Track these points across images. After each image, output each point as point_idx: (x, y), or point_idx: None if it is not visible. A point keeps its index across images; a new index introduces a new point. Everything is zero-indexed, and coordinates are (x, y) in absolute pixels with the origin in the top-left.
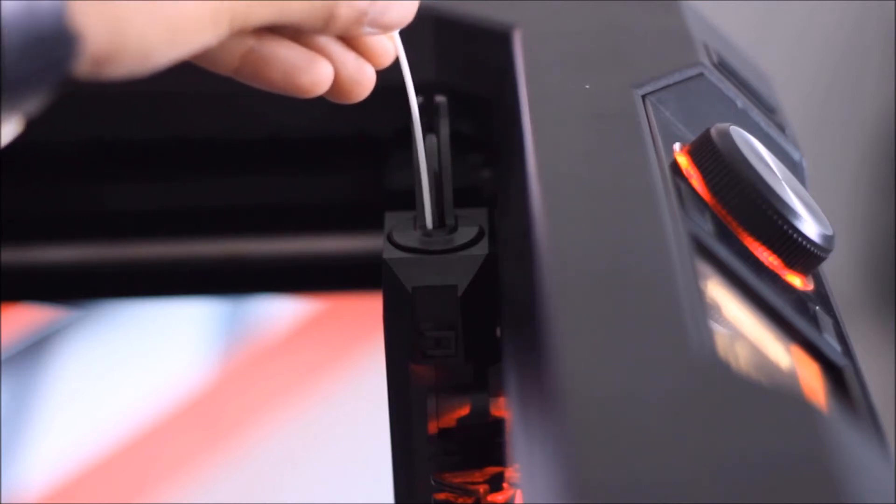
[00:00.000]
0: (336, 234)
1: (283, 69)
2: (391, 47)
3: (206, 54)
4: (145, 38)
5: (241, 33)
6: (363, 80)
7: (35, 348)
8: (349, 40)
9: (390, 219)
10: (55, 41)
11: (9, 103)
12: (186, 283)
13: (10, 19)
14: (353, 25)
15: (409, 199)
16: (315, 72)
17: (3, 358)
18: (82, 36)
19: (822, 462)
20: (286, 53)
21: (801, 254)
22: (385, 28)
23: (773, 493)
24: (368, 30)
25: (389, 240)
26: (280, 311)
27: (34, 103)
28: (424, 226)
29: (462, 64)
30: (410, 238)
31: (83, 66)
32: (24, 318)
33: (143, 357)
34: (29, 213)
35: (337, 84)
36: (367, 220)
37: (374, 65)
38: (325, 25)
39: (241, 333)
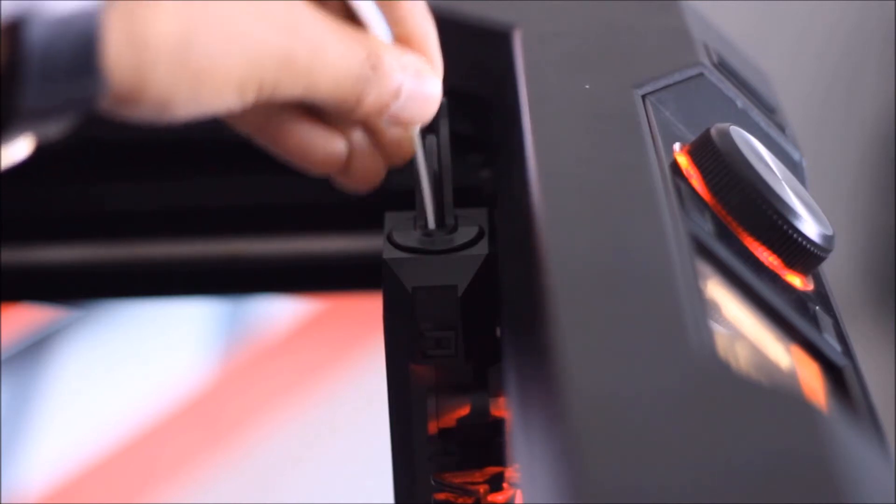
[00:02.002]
0: (336, 234)
1: (299, 142)
2: (408, 150)
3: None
4: (168, 88)
5: (267, 102)
6: (374, 172)
7: (35, 348)
8: (370, 131)
9: (390, 219)
10: (84, 74)
11: (27, 128)
12: (186, 283)
13: (39, 42)
14: (375, 114)
15: (409, 199)
16: (329, 150)
17: (3, 358)
18: (111, 74)
19: (822, 462)
20: (305, 128)
21: (801, 254)
22: (406, 122)
23: (773, 493)
24: (389, 121)
25: (389, 240)
26: (280, 311)
27: (53, 130)
28: (424, 226)
29: (462, 64)
30: (410, 238)
31: (103, 102)
32: (24, 318)
33: (143, 357)
34: (29, 213)
35: (348, 170)
36: (367, 220)
37: (388, 161)
38: (350, 109)
39: (241, 333)
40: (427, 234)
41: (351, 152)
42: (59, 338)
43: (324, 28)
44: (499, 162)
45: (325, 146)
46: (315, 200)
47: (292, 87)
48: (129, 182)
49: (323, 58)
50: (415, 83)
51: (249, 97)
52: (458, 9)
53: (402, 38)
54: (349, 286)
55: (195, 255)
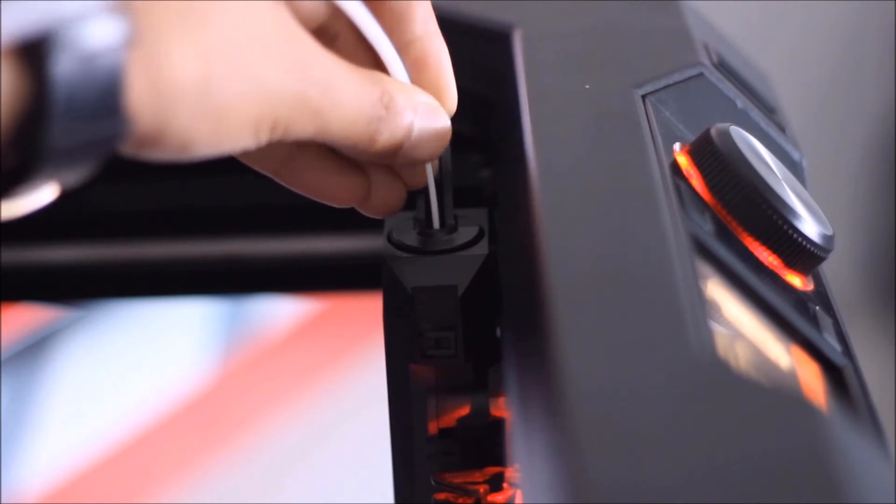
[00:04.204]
0: (336, 234)
1: (318, 180)
2: (424, 173)
3: (249, 154)
4: (188, 129)
5: (281, 141)
6: (395, 199)
7: (35, 348)
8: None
9: (390, 219)
10: (108, 116)
11: (50, 173)
12: (186, 283)
13: (64, 81)
14: (387, 153)
15: (409, 199)
16: (349, 186)
17: (3, 358)
18: (134, 117)
19: (822, 462)
20: (323, 166)
21: (801, 254)
22: (416, 161)
23: (773, 493)
24: (401, 159)
25: (389, 240)
26: (280, 311)
27: (74, 175)
28: (424, 226)
29: (462, 64)
30: (410, 238)
31: (125, 145)
32: (24, 318)
33: (143, 357)
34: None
35: (370, 200)
36: (367, 220)
37: (408, 186)
38: (362, 149)
39: (241, 333)
40: (427, 234)
41: (371, 183)
42: (59, 338)
43: (336, 68)
44: (499, 162)
45: (344, 182)
46: (315, 200)
47: (305, 126)
48: (129, 182)
49: (335, 98)
50: (426, 122)
51: (264, 136)
52: (459, 9)
53: (416, 65)
54: (349, 286)
55: (195, 255)
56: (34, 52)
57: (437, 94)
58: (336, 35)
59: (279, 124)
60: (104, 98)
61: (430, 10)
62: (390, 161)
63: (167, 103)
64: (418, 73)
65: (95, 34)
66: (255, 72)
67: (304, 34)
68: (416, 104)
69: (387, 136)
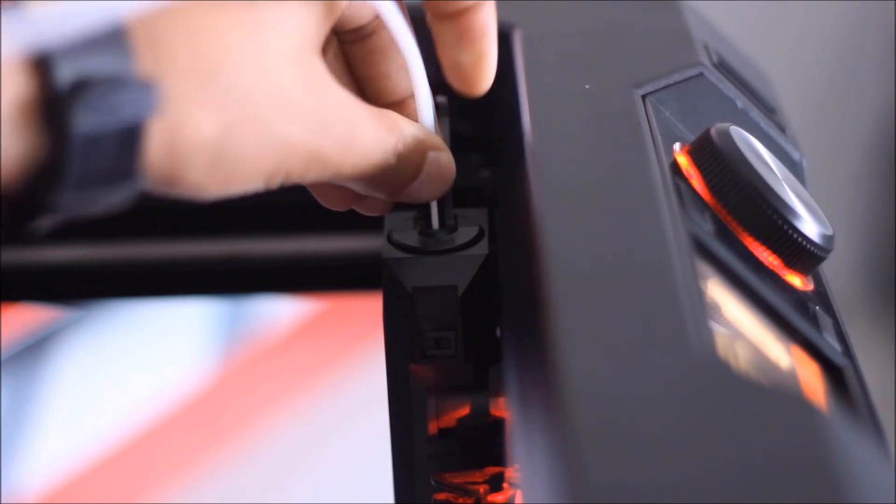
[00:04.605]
0: (336, 234)
1: (344, 198)
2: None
3: None
4: (201, 180)
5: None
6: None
7: (35, 348)
8: None
9: (390, 219)
10: (122, 176)
11: (56, 217)
12: (186, 283)
13: (82, 145)
14: (393, 193)
15: None
16: (368, 202)
17: (3, 358)
18: (147, 173)
19: (822, 462)
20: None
21: (801, 254)
22: (417, 200)
23: (773, 492)
24: (402, 198)
25: (389, 240)
26: (280, 311)
27: (74, 215)
28: (424, 226)
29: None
30: (410, 238)
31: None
32: (24, 318)
33: (143, 357)
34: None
35: (366, 199)
36: (367, 220)
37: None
38: (372, 192)
39: (241, 333)
40: (427, 234)
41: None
42: (59, 338)
43: (357, 120)
44: (499, 162)
45: (363, 199)
46: (315, 200)
47: (319, 175)
48: None
49: (352, 151)
50: (433, 168)
51: (276, 183)
52: None
53: (463, 34)
54: (349, 286)
55: (195, 255)
56: (59, 109)
57: (477, 63)
58: (373, 31)
59: (292, 175)
60: (120, 162)
61: None
62: (391, 198)
63: (182, 160)
64: (463, 42)
65: (125, 100)
66: (273, 131)
67: (330, 85)
68: (427, 153)
69: (394, 181)
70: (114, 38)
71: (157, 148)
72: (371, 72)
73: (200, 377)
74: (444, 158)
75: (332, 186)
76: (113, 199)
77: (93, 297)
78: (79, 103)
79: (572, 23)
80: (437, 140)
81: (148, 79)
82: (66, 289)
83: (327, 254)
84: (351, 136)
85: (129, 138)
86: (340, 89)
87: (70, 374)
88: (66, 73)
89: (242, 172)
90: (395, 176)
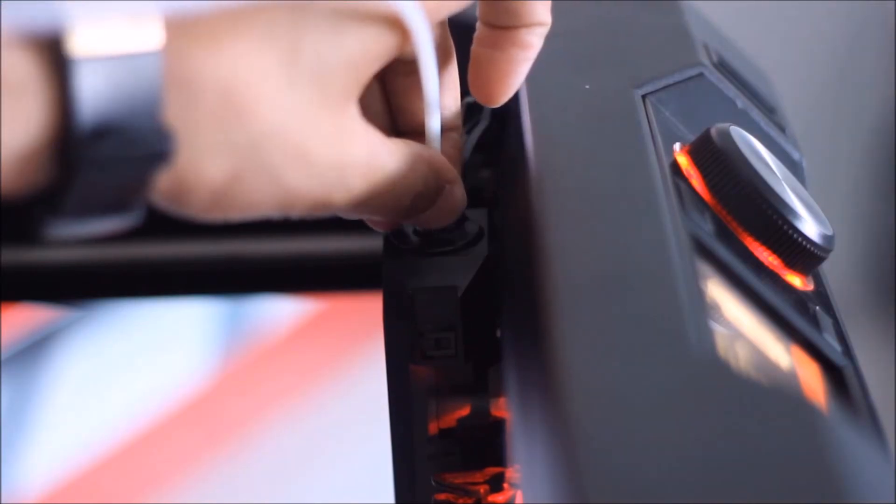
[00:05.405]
0: (336, 234)
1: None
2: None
3: None
4: (201, 211)
5: None
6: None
7: (35, 348)
8: None
9: None
10: (121, 211)
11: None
12: (186, 283)
13: (88, 182)
14: (401, 221)
15: None
16: (377, 222)
17: (3, 358)
18: (151, 202)
19: (822, 462)
20: None
21: (801, 254)
22: (423, 227)
23: (773, 493)
24: (412, 224)
25: (389, 240)
26: (280, 311)
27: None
28: None
29: (462, 64)
30: (410, 239)
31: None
32: (24, 318)
33: (143, 357)
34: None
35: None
36: None
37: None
38: (379, 220)
39: (241, 333)
40: (427, 234)
41: None
42: (59, 338)
43: (376, 167)
44: (499, 162)
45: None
46: None
47: (322, 214)
48: None
49: (364, 197)
50: (449, 201)
51: (283, 214)
52: None
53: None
54: (349, 286)
55: (195, 255)
56: (72, 150)
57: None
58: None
59: (300, 209)
60: (122, 199)
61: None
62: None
63: (184, 195)
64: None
65: (140, 151)
66: (282, 181)
67: (356, 132)
68: (444, 187)
69: (404, 214)
70: (147, 77)
71: (165, 187)
72: (406, 105)
73: (200, 377)
74: (457, 192)
75: None
76: (108, 226)
77: (93, 297)
78: (94, 149)
79: (572, 23)
80: (454, 173)
81: (167, 130)
82: (66, 289)
83: (327, 254)
84: (366, 185)
85: (135, 184)
86: (366, 134)
87: (70, 374)
88: (88, 115)
89: (243, 210)
90: (407, 209)
